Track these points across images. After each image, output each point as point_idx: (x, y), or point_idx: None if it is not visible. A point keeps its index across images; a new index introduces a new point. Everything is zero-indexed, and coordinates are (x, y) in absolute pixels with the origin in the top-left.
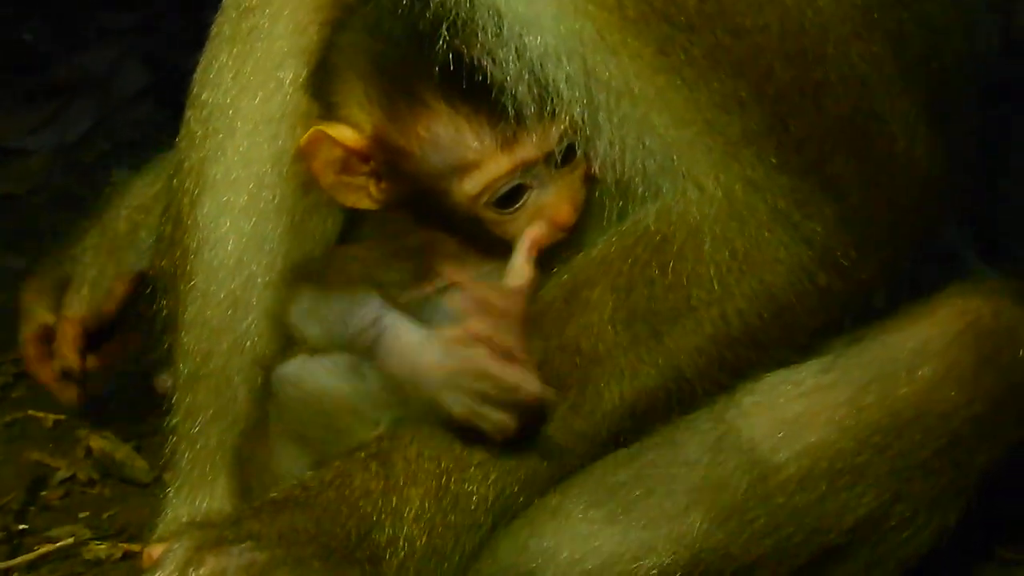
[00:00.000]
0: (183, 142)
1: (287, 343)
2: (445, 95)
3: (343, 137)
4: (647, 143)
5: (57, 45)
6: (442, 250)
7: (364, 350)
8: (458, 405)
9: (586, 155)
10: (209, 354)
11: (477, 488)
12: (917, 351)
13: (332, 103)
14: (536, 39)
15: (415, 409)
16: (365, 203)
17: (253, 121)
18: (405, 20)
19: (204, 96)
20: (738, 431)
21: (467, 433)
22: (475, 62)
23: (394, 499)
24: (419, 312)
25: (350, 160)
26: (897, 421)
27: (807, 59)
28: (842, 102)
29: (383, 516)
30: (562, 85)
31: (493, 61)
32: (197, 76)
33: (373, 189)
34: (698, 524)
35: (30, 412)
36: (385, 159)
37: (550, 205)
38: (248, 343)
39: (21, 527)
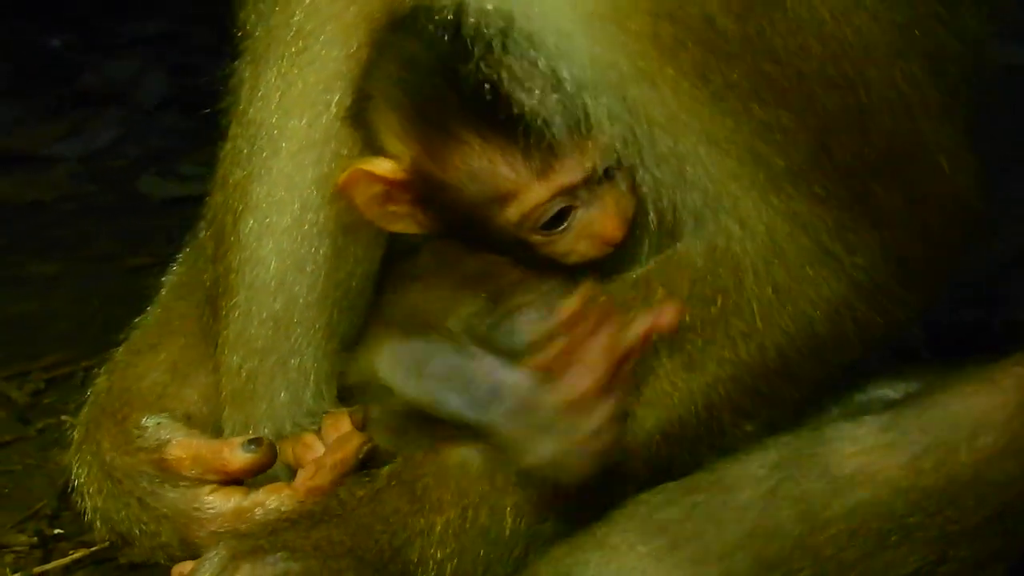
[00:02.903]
0: (227, 157)
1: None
2: (477, 128)
3: (382, 171)
4: (688, 176)
5: (84, 54)
6: (501, 273)
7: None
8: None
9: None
10: (253, 373)
11: (510, 514)
12: (979, 420)
13: (371, 131)
14: (570, 72)
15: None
16: (413, 229)
17: (298, 143)
18: (438, 52)
19: (251, 114)
20: (793, 481)
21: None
22: (508, 92)
23: (422, 520)
24: (501, 339)
25: (392, 191)
26: (952, 488)
27: (849, 83)
28: (887, 129)
29: (413, 536)
30: (602, 117)
31: (527, 92)
32: (244, 93)
33: (420, 216)
34: (745, 570)
35: (62, 418)
36: (425, 189)
37: (596, 221)
38: (293, 361)
39: (56, 532)
